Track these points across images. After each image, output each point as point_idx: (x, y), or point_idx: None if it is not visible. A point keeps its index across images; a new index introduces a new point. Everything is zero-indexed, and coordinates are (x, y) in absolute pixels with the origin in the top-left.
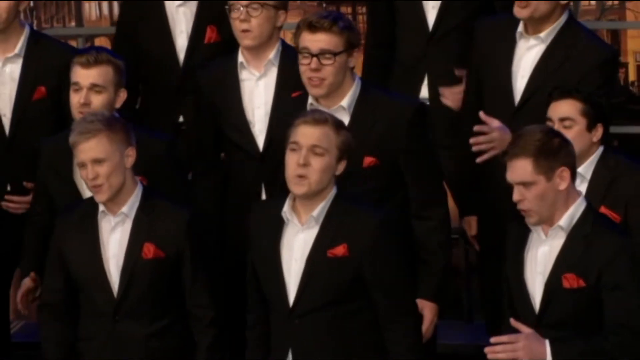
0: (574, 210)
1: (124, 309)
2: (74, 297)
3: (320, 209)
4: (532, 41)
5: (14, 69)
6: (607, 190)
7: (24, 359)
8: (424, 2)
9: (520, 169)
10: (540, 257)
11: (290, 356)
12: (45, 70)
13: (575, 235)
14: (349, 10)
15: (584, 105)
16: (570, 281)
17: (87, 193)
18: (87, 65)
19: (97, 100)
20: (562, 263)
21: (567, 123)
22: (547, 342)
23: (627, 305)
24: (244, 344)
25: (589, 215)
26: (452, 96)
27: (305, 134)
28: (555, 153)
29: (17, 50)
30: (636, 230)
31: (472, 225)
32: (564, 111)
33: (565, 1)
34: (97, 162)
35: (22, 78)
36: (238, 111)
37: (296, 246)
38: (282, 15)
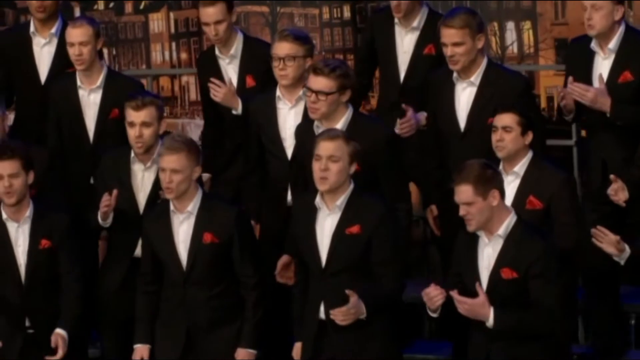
0: (508, 222)
1: (191, 279)
2: (159, 269)
3: (342, 200)
4: (464, 84)
5: (96, 97)
6: (534, 185)
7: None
8: (399, 62)
9: (464, 193)
10: (485, 256)
11: (322, 305)
12: (119, 97)
13: (509, 240)
14: (341, 58)
15: (519, 118)
16: (507, 273)
17: (139, 193)
18: (137, 108)
19: (147, 132)
20: (501, 260)
21: (507, 129)
22: (491, 308)
23: (547, 290)
24: (277, 302)
25: (520, 225)
26: (400, 126)
27: (324, 147)
28: (489, 180)
29: (98, 83)
30: (556, 215)
31: (433, 210)
32: (506, 121)
33: (480, 46)
34: (174, 171)
35: (102, 103)
36: (274, 130)
37: (326, 226)
38: (309, 61)
